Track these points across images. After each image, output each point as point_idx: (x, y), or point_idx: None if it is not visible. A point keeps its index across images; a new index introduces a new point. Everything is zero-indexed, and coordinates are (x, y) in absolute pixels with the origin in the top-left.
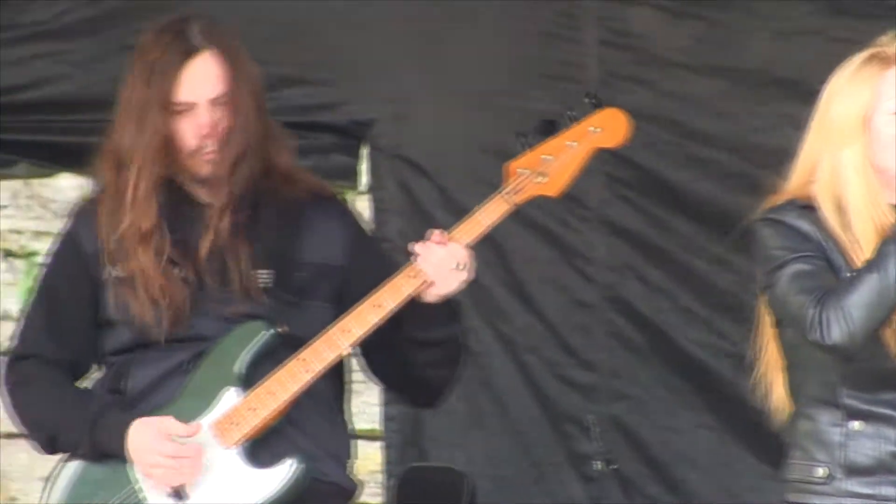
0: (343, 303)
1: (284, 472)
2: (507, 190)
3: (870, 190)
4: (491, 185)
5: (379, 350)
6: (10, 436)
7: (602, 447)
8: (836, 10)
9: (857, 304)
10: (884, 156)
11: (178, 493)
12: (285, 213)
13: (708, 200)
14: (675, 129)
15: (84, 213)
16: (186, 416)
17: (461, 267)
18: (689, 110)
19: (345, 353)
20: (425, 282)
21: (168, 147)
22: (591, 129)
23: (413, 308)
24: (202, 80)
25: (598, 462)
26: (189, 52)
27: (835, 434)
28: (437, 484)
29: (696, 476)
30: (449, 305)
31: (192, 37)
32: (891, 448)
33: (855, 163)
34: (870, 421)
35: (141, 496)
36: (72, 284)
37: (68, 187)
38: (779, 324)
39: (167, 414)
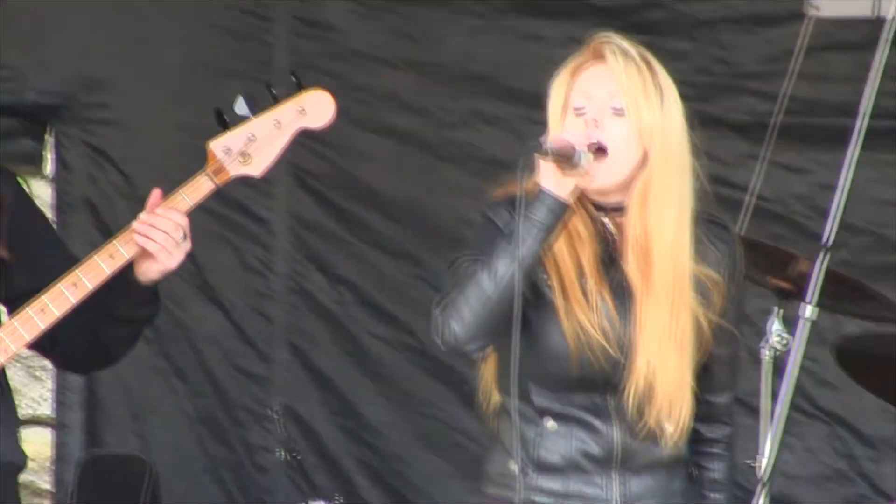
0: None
1: None
2: (210, 170)
3: None
4: (177, 179)
5: (66, 325)
6: None
7: (285, 436)
8: (529, 10)
9: (463, 299)
10: None
11: None
12: None
13: (396, 195)
14: (365, 123)
15: None
16: None
17: (184, 237)
18: (380, 104)
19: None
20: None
21: None
22: (298, 109)
23: (123, 285)
24: None
25: (281, 451)
26: None
27: (530, 431)
28: (119, 471)
29: (368, 470)
30: (154, 284)
31: None
32: (582, 448)
33: None
34: (563, 421)
35: None
36: None
37: None
38: None
39: None
